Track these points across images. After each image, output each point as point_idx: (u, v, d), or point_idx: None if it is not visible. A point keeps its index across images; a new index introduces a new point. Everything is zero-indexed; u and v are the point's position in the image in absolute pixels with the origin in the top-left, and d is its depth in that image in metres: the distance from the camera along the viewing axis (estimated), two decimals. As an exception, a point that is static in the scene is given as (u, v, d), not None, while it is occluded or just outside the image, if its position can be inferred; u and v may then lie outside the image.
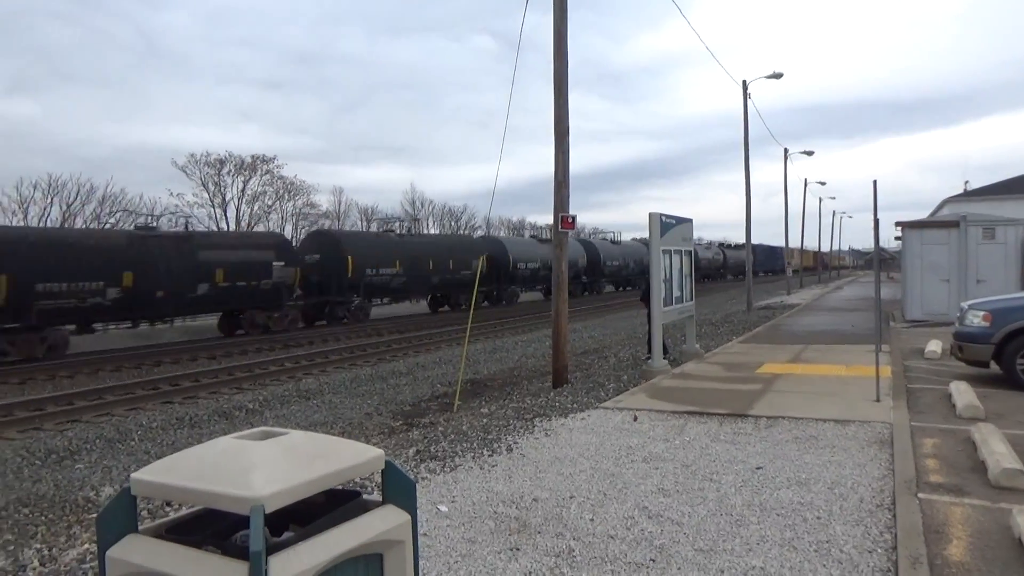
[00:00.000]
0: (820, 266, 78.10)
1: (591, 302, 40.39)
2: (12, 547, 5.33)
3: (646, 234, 12.28)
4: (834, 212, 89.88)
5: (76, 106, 70.90)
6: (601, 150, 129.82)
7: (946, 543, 4.40)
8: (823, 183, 56.43)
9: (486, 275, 35.74)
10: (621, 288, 52.86)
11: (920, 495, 5.27)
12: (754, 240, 31.30)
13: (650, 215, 11.74)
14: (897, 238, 22.47)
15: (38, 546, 5.24)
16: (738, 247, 68.98)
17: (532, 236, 45.71)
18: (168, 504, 5.52)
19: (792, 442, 6.98)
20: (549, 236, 43.56)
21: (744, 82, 28.64)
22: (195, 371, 16.32)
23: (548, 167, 11.35)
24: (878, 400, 8.77)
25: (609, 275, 49.53)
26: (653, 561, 4.28)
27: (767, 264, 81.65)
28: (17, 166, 68.39)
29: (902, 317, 20.31)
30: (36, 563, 4.85)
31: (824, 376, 10.91)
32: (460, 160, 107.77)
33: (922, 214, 39.55)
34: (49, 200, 45.48)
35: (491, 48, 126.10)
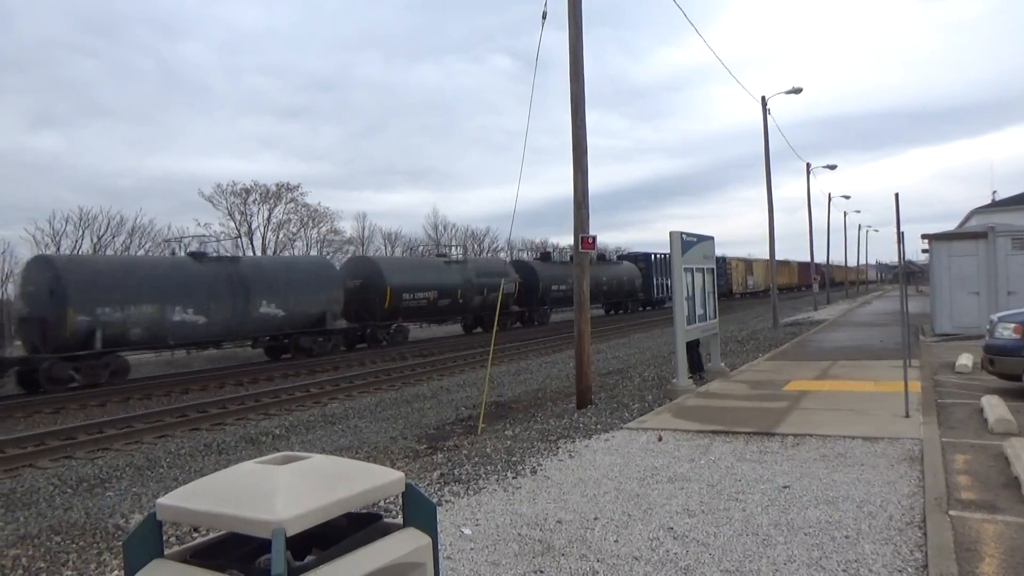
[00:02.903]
0: (819, 282, 51.69)
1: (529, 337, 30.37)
2: (44, 574, 5.42)
3: (667, 251, 12.25)
4: (859, 225, 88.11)
5: (101, 138, 72.38)
6: (623, 169, 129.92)
7: (978, 561, 4.31)
8: (847, 197, 55.79)
9: (356, 310, 28.03)
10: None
11: (951, 512, 5.17)
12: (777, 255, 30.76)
13: (671, 233, 11.75)
14: (924, 251, 22.19)
15: (69, 573, 5.32)
16: (621, 259, 51.86)
17: (439, 255, 37.97)
18: (196, 529, 5.58)
19: (820, 460, 6.89)
20: (454, 255, 36.66)
21: (763, 98, 28.60)
22: (222, 398, 16.49)
23: (570, 187, 11.39)
24: (908, 416, 8.63)
25: (557, 300, 40.25)
26: (678, 582, 4.24)
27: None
28: (46, 199, 69.94)
29: (931, 331, 19.98)
30: (67, 590, 4.93)
31: (852, 392, 10.76)
32: (483, 182, 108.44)
33: (950, 225, 39.00)
34: (80, 232, 46.38)
35: (509, 68, 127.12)
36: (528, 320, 37.87)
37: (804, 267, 64.22)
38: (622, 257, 53.03)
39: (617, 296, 46.93)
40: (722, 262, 56.39)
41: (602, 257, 48.20)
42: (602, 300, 45.67)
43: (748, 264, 62.34)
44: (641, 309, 50.83)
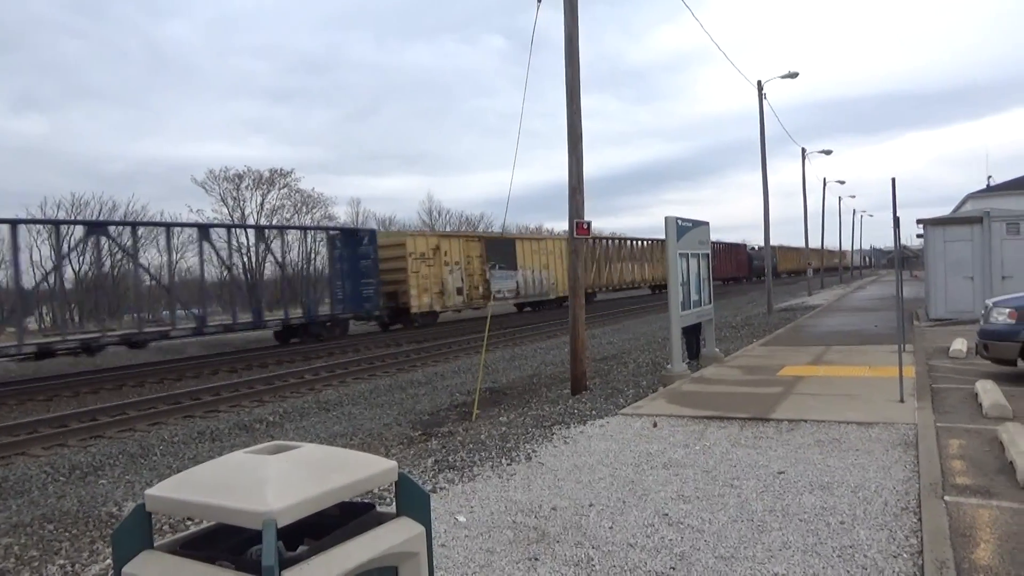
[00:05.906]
0: (748, 274, 43.02)
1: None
2: (37, 563, 5.38)
3: (662, 236, 12.23)
4: (854, 211, 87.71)
5: (89, 122, 71.37)
6: (619, 153, 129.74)
7: (974, 547, 4.31)
8: (842, 182, 55.99)
9: None
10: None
11: (946, 498, 5.17)
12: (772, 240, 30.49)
13: (666, 218, 11.71)
14: (919, 235, 22.20)
15: (62, 562, 5.29)
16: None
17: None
18: (189, 519, 5.55)
19: (814, 445, 6.89)
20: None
21: (759, 83, 28.47)
22: (216, 384, 16.44)
23: (565, 172, 11.34)
24: (902, 401, 8.64)
25: None
26: (673, 569, 4.23)
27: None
28: (36, 184, 69.09)
29: (926, 316, 20.03)
30: (59, 579, 4.89)
31: (847, 378, 10.77)
32: (477, 167, 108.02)
33: (946, 210, 38.96)
34: (73, 219, 46.05)
35: (504, 49, 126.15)
36: None
37: (742, 253, 53.43)
38: None
39: None
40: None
41: None
42: None
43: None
44: None
